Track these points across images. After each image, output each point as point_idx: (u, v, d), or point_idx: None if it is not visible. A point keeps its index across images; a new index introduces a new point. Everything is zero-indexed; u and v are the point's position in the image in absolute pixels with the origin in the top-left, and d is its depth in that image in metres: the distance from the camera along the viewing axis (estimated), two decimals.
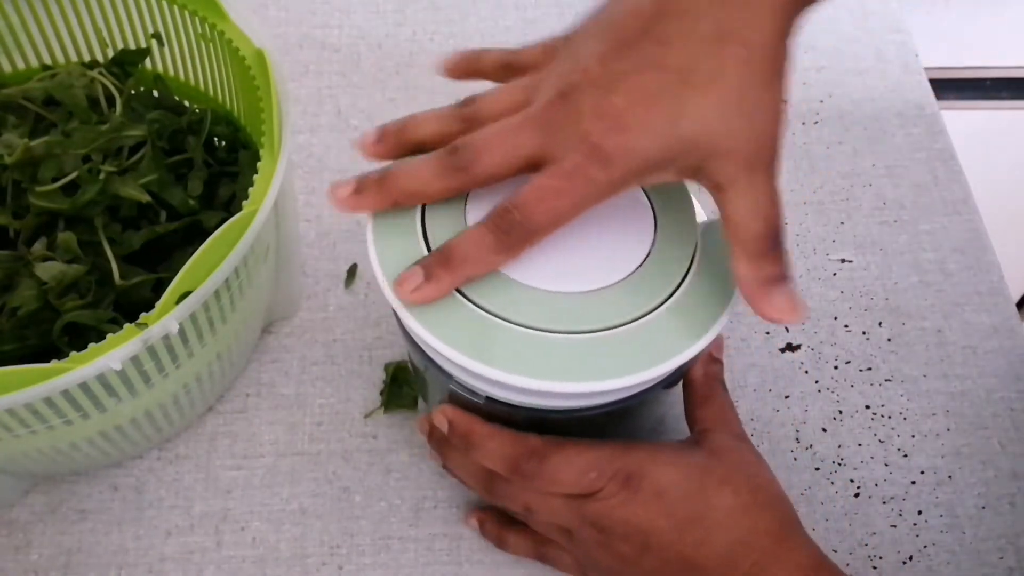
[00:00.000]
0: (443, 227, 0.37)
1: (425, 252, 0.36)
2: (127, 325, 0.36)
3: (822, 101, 0.62)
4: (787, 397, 0.51)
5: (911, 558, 0.46)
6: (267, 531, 0.46)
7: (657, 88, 0.33)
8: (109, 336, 0.35)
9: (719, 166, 0.33)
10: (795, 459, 0.49)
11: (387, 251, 0.36)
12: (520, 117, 0.35)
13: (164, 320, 0.36)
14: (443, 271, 0.35)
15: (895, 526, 0.47)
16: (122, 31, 0.51)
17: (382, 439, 0.49)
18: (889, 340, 0.53)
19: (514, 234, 0.34)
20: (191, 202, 0.47)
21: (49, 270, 0.42)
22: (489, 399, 0.38)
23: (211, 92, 0.51)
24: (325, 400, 0.50)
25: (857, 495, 0.48)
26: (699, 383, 0.42)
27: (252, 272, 0.42)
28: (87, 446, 0.42)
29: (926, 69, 0.64)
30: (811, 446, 0.49)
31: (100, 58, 0.51)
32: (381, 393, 0.50)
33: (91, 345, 0.35)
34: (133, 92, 0.50)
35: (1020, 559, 0.46)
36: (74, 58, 0.51)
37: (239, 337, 0.45)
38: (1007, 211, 0.87)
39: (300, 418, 0.49)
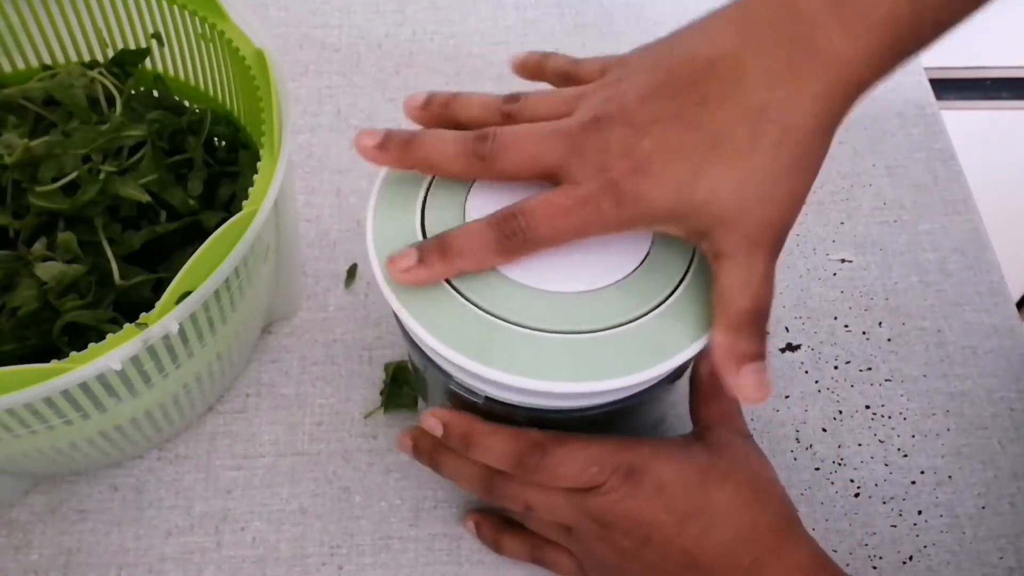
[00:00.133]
0: (441, 219, 0.37)
1: (419, 235, 0.37)
2: (127, 325, 0.36)
3: None
4: (787, 397, 0.51)
5: (911, 558, 0.46)
6: (267, 531, 0.46)
7: (685, 145, 0.33)
8: (109, 336, 0.35)
9: (722, 236, 0.34)
10: (795, 459, 0.49)
11: (385, 235, 0.37)
12: (553, 127, 0.35)
13: (164, 320, 0.36)
14: (437, 258, 0.35)
15: (895, 526, 0.47)
16: (122, 31, 0.51)
17: (382, 439, 0.49)
18: (889, 340, 0.53)
19: (514, 240, 0.35)
20: (191, 202, 0.47)
21: (49, 270, 0.42)
22: (488, 399, 0.38)
23: (211, 92, 0.51)
24: (325, 400, 0.50)
25: (857, 495, 0.48)
26: (705, 379, 0.42)
27: (252, 272, 0.42)
28: (87, 446, 0.42)
29: (926, 69, 0.64)
30: (811, 446, 0.49)
31: (100, 58, 0.51)
32: (381, 393, 0.50)
33: (91, 345, 0.35)
34: (133, 92, 0.50)
35: (1020, 559, 0.46)
36: (74, 58, 0.51)
37: (239, 337, 0.45)
38: (1007, 211, 0.87)
39: (300, 418, 0.49)
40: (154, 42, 0.50)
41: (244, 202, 0.39)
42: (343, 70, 0.63)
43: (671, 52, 0.35)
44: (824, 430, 0.50)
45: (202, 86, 0.51)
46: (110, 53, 0.51)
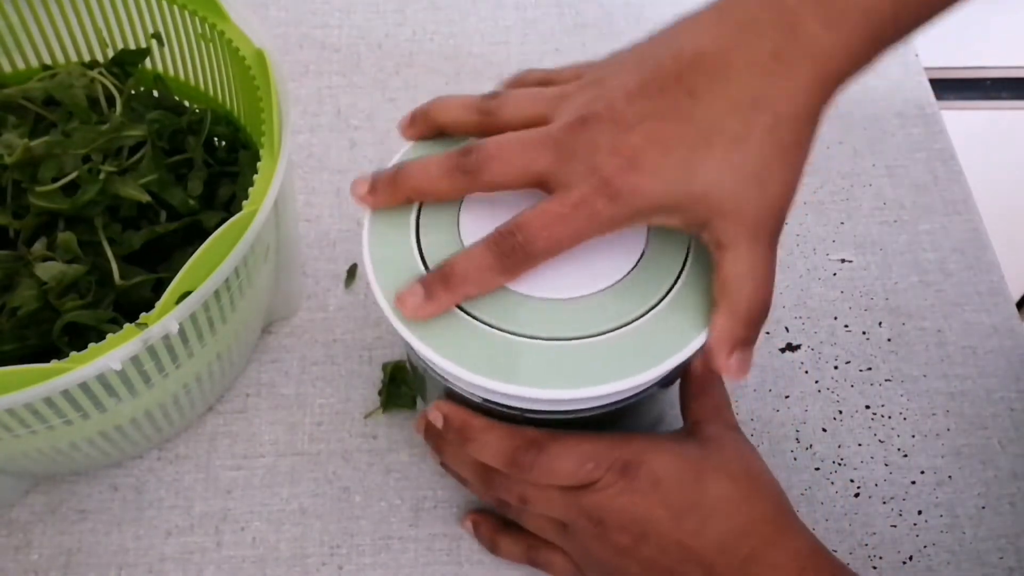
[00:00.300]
0: (437, 240, 0.37)
1: (419, 262, 0.37)
2: (127, 325, 0.36)
3: None
4: (787, 397, 0.51)
5: (911, 558, 0.46)
6: (267, 531, 0.46)
7: (676, 138, 0.34)
8: (109, 336, 0.35)
9: (724, 226, 0.34)
10: (795, 459, 0.49)
11: (382, 257, 0.37)
12: (537, 134, 0.35)
13: (164, 320, 0.36)
14: (442, 290, 0.35)
15: (895, 526, 0.47)
16: (122, 31, 0.51)
17: (382, 439, 0.49)
18: (889, 340, 0.53)
19: (514, 257, 0.35)
20: (191, 202, 0.47)
21: (49, 270, 0.42)
22: (486, 400, 0.38)
23: (211, 92, 0.51)
24: (325, 400, 0.50)
25: (857, 495, 0.48)
26: (696, 375, 0.43)
27: (252, 272, 0.42)
28: (87, 446, 0.42)
29: (926, 69, 0.64)
30: (811, 446, 0.49)
31: (100, 58, 0.51)
32: (380, 393, 0.50)
33: (91, 345, 0.35)
34: (133, 92, 0.50)
35: (1020, 559, 0.46)
36: (74, 58, 0.51)
37: (239, 337, 0.45)
38: (1007, 211, 0.87)
39: (300, 418, 0.49)
40: (154, 42, 0.50)
41: (244, 202, 0.39)
42: (343, 70, 0.63)
43: (654, 50, 0.36)
44: (824, 430, 0.50)
45: (202, 86, 0.51)
46: (110, 53, 0.51)
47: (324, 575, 0.45)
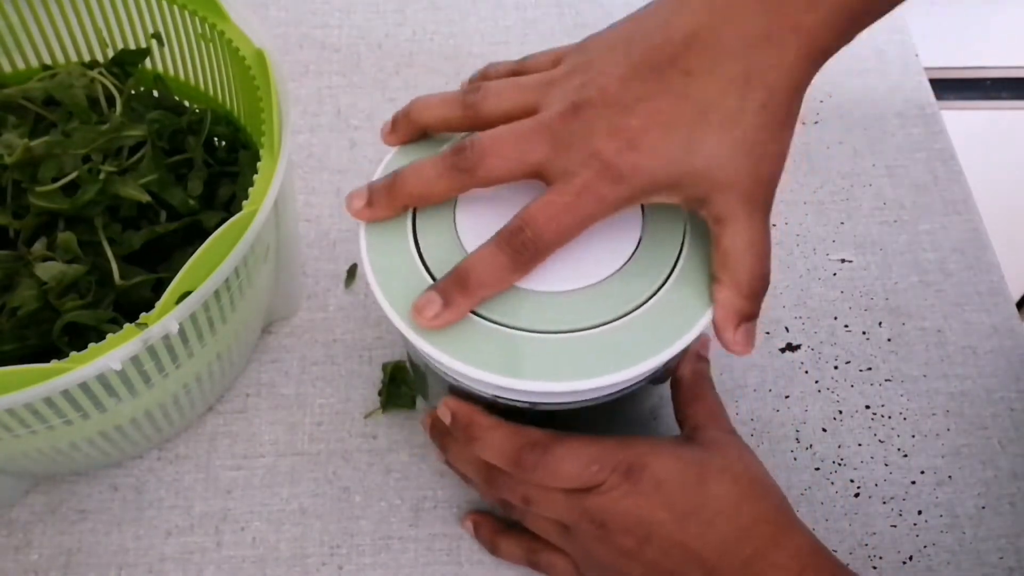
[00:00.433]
0: (436, 240, 0.37)
1: (418, 263, 0.37)
2: (127, 325, 0.36)
3: (822, 101, 0.62)
4: (787, 397, 0.51)
5: (911, 558, 0.46)
6: (267, 531, 0.46)
7: (675, 116, 0.34)
8: (109, 336, 0.35)
9: (723, 200, 0.35)
10: (795, 459, 0.49)
11: (382, 261, 0.37)
12: (531, 124, 0.35)
13: (164, 320, 0.36)
14: (460, 296, 0.35)
15: (895, 526, 0.47)
16: (122, 31, 0.51)
17: (382, 439, 0.49)
18: (889, 340, 0.53)
19: (526, 253, 0.35)
20: (191, 202, 0.47)
21: (49, 270, 0.42)
22: (494, 396, 0.38)
23: (211, 92, 0.51)
24: (325, 400, 0.50)
25: (857, 495, 0.48)
26: (687, 381, 0.43)
27: (252, 272, 0.42)
28: (87, 446, 0.42)
29: (926, 69, 0.64)
30: (811, 446, 0.49)
31: (100, 58, 0.51)
32: (380, 393, 0.50)
33: (91, 345, 0.35)
34: (133, 92, 0.50)
35: (1020, 559, 0.46)
36: (74, 58, 0.51)
37: (239, 337, 0.45)
38: (1007, 211, 0.87)
39: (300, 418, 0.49)
40: (154, 42, 0.50)
41: (244, 202, 0.39)
42: (343, 70, 0.63)
43: (641, 32, 0.36)
44: (824, 430, 0.50)
45: (202, 86, 0.51)
46: (110, 53, 0.51)
47: (324, 575, 0.45)
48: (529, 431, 0.38)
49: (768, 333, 0.53)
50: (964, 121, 0.83)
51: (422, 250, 0.37)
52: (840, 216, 0.57)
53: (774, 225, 0.56)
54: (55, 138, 0.45)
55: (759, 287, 0.36)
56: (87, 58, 0.51)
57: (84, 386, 0.36)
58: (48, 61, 0.51)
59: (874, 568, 0.46)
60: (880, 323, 0.53)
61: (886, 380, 0.51)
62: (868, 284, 0.55)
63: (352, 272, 0.54)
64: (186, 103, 0.52)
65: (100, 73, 0.49)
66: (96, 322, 0.42)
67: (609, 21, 0.38)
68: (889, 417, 0.50)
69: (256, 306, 0.46)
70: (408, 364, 0.49)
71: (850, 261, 0.55)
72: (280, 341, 0.52)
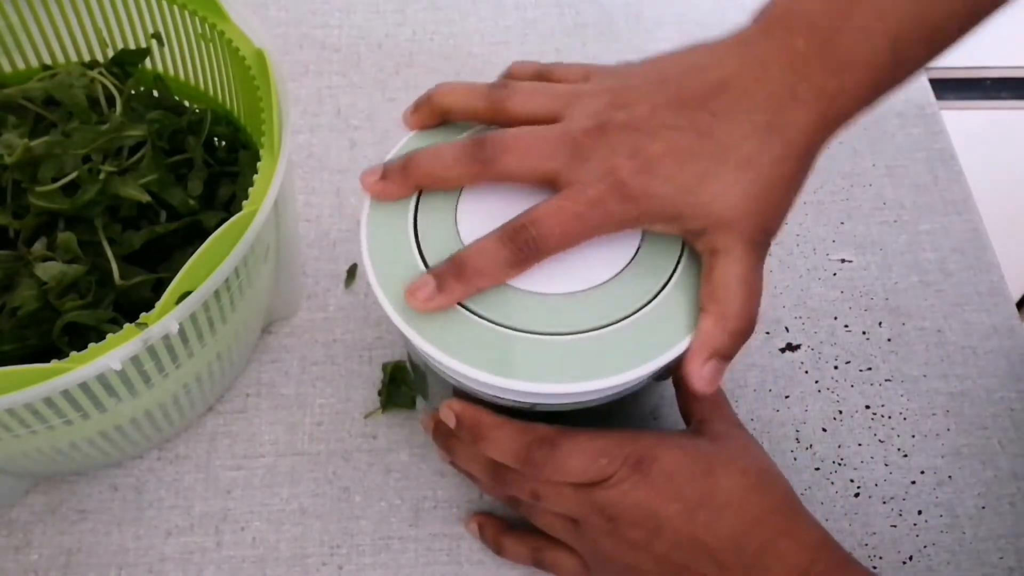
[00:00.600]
0: (436, 238, 0.37)
1: (419, 261, 0.37)
2: (127, 325, 0.36)
3: None
4: (787, 397, 0.51)
5: (911, 558, 0.46)
6: (267, 531, 0.46)
7: (695, 150, 0.35)
8: (109, 336, 0.35)
9: (721, 235, 0.36)
10: (795, 459, 0.49)
11: (382, 256, 0.37)
12: (556, 132, 0.36)
13: (164, 320, 0.36)
14: (455, 282, 0.36)
15: (895, 526, 0.47)
16: (122, 31, 0.51)
17: (382, 439, 0.49)
18: (889, 340, 0.53)
19: (528, 251, 0.36)
20: (191, 202, 0.47)
21: (49, 270, 0.42)
22: (495, 396, 0.38)
23: (211, 92, 0.51)
24: (325, 400, 0.50)
25: (857, 495, 0.48)
26: None
27: (252, 272, 0.42)
28: (87, 446, 0.42)
29: (926, 69, 0.64)
30: (811, 446, 0.49)
31: (100, 58, 0.51)
32: (380, 393, 0.50)
33: (91, 345, 0.35)
34: (133, 92, 0.50)
35: (1020, 559, 0.46)
36: (74, 58, 0.51)
37: (239, 337, 0.45)
38: (1007, 211, 0.87)
39: (300, 418, 0.49)
40: (154, 42, 0.50)
41: (244, 202, 0.39)
42: (343, 70, 0.63)
43: (677, 71, 0.37)
44: (824, 430, 0.50)
45: (202, 86, 0.51)
46: (110, 53, 0.51)
47: (324, 575, 0.45)
48: (536, 427, 0.38)
49: (768, 333, 0.53)
50: (964, 121, 0.83)
51: (422, 250, 0.37)
52: (840, 216, 0.57)
53: None
54: (55, 138, 0.45)
55: (745, 327, 0.36)
56: (87, 58, 0.51)
57: (84, 386, 0.36)
58: (48, 61, 0.51)
59: (874, 568, 0.46)
60: (880, 323, 0.53)
61: (886, 380, 0.51)
62: (868, 284, 0.55)
63: (352, 272, 0.54)
64: (186, 103, 0.52)
65: (100, 73, 0.49)
66: (96, 322, 0.42)
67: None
68: (889, 417, 0.50)
69: (256, 306, 0.46)
70: (408, 364, 0.49)
71: (850, 261, 0.55)
72: (280, 341, 0.52)
